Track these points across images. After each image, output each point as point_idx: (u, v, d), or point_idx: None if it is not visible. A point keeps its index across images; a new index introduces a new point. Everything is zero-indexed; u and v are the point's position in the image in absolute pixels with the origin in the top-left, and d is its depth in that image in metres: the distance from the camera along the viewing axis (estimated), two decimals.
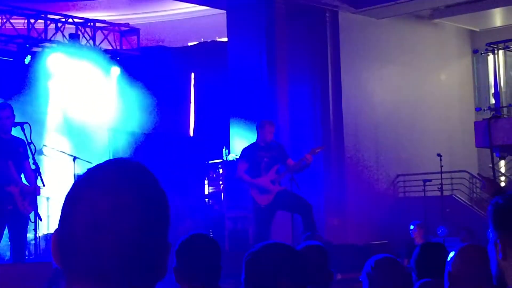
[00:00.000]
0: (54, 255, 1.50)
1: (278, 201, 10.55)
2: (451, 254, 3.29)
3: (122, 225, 1.44)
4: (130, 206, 1.45)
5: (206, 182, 14.88)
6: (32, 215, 8.77)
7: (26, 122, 8.86)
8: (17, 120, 8.88)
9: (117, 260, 1.43)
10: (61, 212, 1.49)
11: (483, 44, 16.55)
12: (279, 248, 2.33)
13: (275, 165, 10.62)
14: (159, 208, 1.50)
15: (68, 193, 1.50)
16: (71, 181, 12.73)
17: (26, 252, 9.11)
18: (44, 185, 8.88)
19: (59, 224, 1.49)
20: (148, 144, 14.86)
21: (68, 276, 1.47)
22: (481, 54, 18.10)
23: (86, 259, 1.43)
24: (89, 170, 1.52)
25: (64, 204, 1.49)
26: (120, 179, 1.48)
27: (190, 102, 17.85)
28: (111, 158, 1.58)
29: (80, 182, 1.50)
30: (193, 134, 17.49)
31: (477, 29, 18.94)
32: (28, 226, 8.89)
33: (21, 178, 8.77)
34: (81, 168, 12.55)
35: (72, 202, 1.48)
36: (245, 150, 10.90)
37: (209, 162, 14.75)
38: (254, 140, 10.98)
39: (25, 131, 8.75)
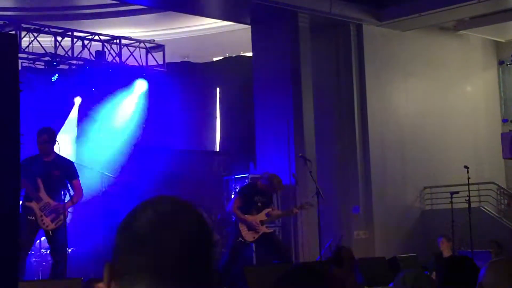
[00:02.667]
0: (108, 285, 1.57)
1: (261, 242, 11.27)
2: (483, 268, 3.29)
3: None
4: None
5: (233, 196, 14.92)
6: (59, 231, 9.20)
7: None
8: None
9: None
10: (121, 249, 1.57)
11: (509, 55, 16.54)
12: (307, 273, 2.35)
13: (266, 209, 11.29)
14: (209, 242, 1.59)
15: (126, 230, 1.58)
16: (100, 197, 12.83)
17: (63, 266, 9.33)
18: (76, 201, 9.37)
19: (116, 258, 1.57)
20: (175, 160, 14.92)
21: None
22: (507, 65, 18.04)
23: None
24: (143, 210, 1.59)
25: (124, 242, 1.57)
26: (175, 221, 1.57)
27: (216, 117, 17.92)
28: (158, 195, 1.65)
29: (140, 223, 1.57)
30: (219, 149, 17.54)
31: (503, 40, 18.85)
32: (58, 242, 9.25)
33: (52, 196, 9.25)
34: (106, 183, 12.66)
35: (136, 243, 1.55)
36: (243, 189, 11.65)
37: (236, 176, 14.79)
38: (256, 181, 11.71)
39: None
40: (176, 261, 1.51)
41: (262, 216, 11.19)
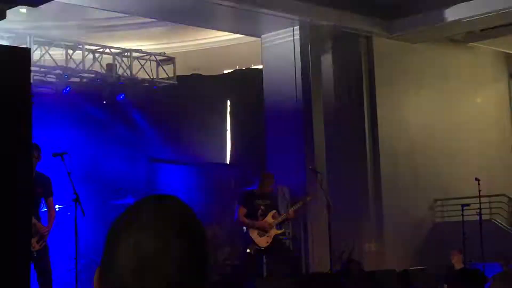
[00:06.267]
0: None
1: (272, 249, 11.17)
2: (488, 282, 3.29)
3: (165, 267, 1.46)
4: (172, 246, 1.47)
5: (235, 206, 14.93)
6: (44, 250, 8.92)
7: (66, 153, 9.01)
8: (56, 150, 9.08)
9: None
10: (106, 252, 1.52)
11: None
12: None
13: (272, 211, 11.23)
14: (200, 245, 1.53)
15: (111, 230, 1.54)
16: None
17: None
18: (84, 214, 9.03)
19: (103, 262, 1.53)
20: (185, 172, 14.95)
21: None
22: None
23: None
24: (129, 209, 1.55)
25: (107, 241, 1.53)
26: (162, 219, 1.50)
27: (227, 130, 17.95)
28: (150, 194, 1.61)
29: (123, 222, 1.53)
30: (229, 162, 17.56)
31: None
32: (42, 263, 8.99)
33: (36, 215, 8.84)
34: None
35: (116, 239, 1.50)
36: (243, 197, 11.48)
37: (242, 189, 14.78)
38: (254, 186, 11.53)
39: (65, 162, 8.91)
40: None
41: (269, 219, 11.12)
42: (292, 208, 11.56)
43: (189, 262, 1.50)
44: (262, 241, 11.05)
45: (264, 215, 11.15)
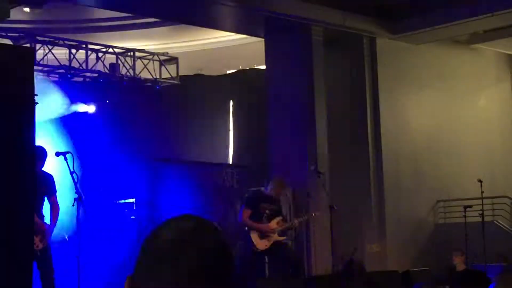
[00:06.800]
0: None
1: (273, 251, 11.21)
2: (492, 283, 3.30)
3: (201, 239, 1.60)
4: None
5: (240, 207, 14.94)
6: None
7: (69, 152, 9.01)
8: (61, 150, 9.07)
9: None
10: (141, 265, 1.61)
11: None
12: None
13: (277, 217, 11.27)
14: (228, 262, 1.63)
15: (147, 247, 1.62)
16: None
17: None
18: (86, 212, 9.06)
19: (137, 274, 1.61)
20: (187, 172, 14.95)
21: None
22: None
23: None
24: (166, 228, 1.64)
25: (144, 258, 1.61)
26: (195, 241, 1.60)
27: (229, 130, 17.96)
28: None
29: (161, 240, 1.61)
30: (232, 162, 17.56)
31: None
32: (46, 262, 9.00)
33: (36, 213, 8.72)
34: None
35: (156, 260, 1.58)
36: (249, 198, 11.63)
37: (249, 189, 14.79)
38: (263, 187, 11.55)
39: (68, 161, 8.90)
40: (194, 279, 1.55)
41: (273, 224, 11.16)
42: (297, 220, 11.69)
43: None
44: (261, 244, 11.10)
45: (269, 219, 11.18)
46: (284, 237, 11.75)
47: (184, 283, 1.54)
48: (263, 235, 11.07)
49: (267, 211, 11.17)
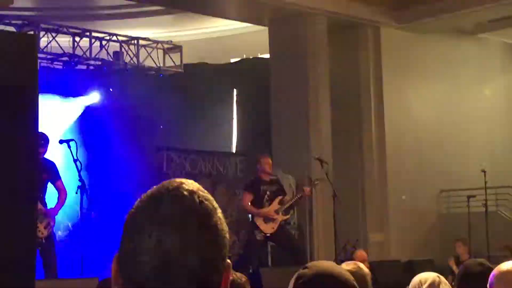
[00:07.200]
0: (115, 278, 1.51)
1: (278, 236, 11.22)
2: (491, 274, 3.28)
3: (189, 262, 1.44)
4: (195, 241, 1.46)
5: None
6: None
7: (72, 140, 9.02)
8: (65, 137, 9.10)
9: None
10: (125, 240, 1.49)
11: None
12: (331, 279, 2.35)
13: (278, 197, 11.28)
14: (221, 236, 1.51)
15: (130, 221, 1.50)
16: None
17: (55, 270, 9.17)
18: (87, 199, 9.08)
19: (121, 252, 1.50)
20: (190, 161, 14.94)
21: None
22: None
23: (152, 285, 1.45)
24: (148, 199, 1.51)
25: (127, 232, 1.50)
26: (182, 212, 1.47)
27: (233, 118, 17.94)
28: (165, 182, 1.58)
29: (143, 214, 1.49)
30: (235, 150, 17.55)
31: None
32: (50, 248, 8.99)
33: (40, 201, 8.81)
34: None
35: (137, 233, 1.47)
36: (248, 183, 11.57)
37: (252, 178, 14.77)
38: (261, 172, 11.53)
39: (71, 148, 8.91)
40: (179, 259, 1.44)
41: (275, 205, 11.16)
42: (308, 187, 11.75)
43: (211, 256, 1.47)
44: (268, 228, 11.09)
45: (271, 200, 11.17)
46: (289, 216, 11.78)
47: (167, 263, 1.43)
48: (268, 218, 11.07)
49: (268, 193, 11.18)
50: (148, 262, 1.44)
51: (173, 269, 1.43)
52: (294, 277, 2.17)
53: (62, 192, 9.25)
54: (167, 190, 1.51)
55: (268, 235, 11.14)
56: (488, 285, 3.32)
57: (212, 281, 1.48)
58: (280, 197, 11.29)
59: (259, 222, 11.07)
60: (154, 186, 1.54)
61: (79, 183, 8.98)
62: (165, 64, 15.71)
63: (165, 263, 1.43)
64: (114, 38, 15.07)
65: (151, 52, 15.51)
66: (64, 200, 9.27)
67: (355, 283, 2.20)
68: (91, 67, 15.03)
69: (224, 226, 1.52)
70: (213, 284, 1.48)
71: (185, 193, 1.50)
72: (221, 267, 1.49)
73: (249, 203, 11.19)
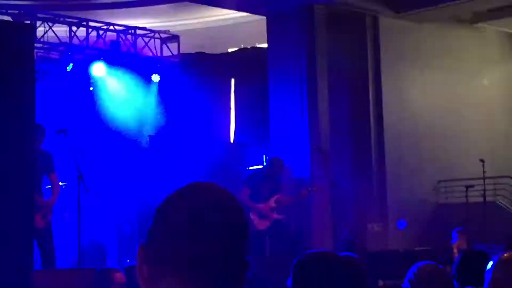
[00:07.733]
0: (140, 270, 1.56)
1: (273, 230, 11.28)
2: (491, 263, 3.26)
3: (215, 260, 1.52)
4: (221, 239, 1.54)
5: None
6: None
7: (67, 129, 9.01)
8: (60, 127, 9.05)
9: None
10: (156, 237, 1.56)
11: None
12: (327, 258, 2.35)
13: (275, 195, 11.34)
14: (243, 231, 1.59)
15: (162, 218, 1.57)
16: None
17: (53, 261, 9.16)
18: (87, 191, 9.06)
19: (150, 245, 1.56)
20: (189, 150, 14.93)
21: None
22: None
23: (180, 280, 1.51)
24: (179, 198, 1.59)
25: (159, 230, 1.56)
26: (213, 209, 1.56)
27: (230, 108, 17.91)
28: (192, 182, 1.65)
29: (176, 212, 1.56)
30: (233, 140, 17.53)
31: None
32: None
33: (38, 192, 8.81)
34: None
35: (172, 233, 1.53)
36: (249, 178, 11.70)
37: (249, 168, 14.76)
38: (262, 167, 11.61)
39: (68, 138, 8.90)
40: (211, 252, 1.51)
41: (271, 203, 11.18)
42: (306, 190, 11.75)
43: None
44: (261, 224, 11.13)
45: (268, 197, 11.18)
46: (283, 216, 11.77)
47: (201, 257, 1.50)
48: (262, 214, 11.08)
49: (267, 190, 11.19)
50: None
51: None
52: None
53: (56, 185, 9.22)
54: (191, 186, 1.63)
55: (261, 230, 11.19)
56: (486, 274, 3.31)
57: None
58: (277, 196, 11.28)
59: (254, 217, 11.11)
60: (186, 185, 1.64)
61: (77, 174, 8.99)
62: (162, 53, 15.67)
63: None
64: (111, 27, 15.03)
65: (148, 41, 15.48)
66: (58, 193, 9.23)
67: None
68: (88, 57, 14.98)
69: (246, 224, 1.63)
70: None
71: (209, 187, 1.63)
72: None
73: (246, 197, 11.19)
